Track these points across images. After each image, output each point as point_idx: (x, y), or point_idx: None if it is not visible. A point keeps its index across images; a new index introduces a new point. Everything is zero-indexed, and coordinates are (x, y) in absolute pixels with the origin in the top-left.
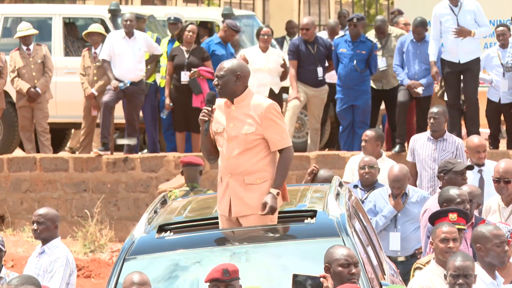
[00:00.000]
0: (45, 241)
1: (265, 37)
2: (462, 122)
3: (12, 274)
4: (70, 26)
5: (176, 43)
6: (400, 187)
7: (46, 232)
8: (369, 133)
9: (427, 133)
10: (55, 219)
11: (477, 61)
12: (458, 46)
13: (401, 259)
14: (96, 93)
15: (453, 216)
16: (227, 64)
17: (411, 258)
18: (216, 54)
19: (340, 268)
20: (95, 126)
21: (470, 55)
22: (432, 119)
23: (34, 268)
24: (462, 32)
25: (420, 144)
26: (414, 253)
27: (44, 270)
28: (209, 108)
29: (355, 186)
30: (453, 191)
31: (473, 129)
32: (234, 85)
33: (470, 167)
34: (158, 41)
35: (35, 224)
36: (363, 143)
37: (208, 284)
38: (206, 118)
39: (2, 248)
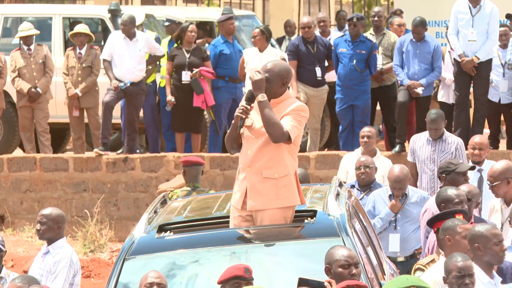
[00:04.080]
0: (50, 241)
1: (252, 39)
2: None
3: (13, 274)
4: (73, 25)
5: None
6: (401, 187)
7: (48, 232)
8: (370, 129)
9: (426, 134)
10: (58, 219)
11: (487, 62)
12: (468, 47)
13: (400, 259)
14: (80, 94)
15: (459, 217)
16: (275, 67)
17: (410, 259)
18: (224, 54)
19: (340, 269)
20: (84, 126)
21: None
22: (434, 130)
23: (38, 268)
24: (467, 63)
25: (420, 145)
26: (413, 253)
27: (48, 270)
28: (248, 106)
29: (352, 186)
30: (451, 191)
31: (478, 130)
32: (279, 89)
33: (472, 168)
34: (157, 40)
35: (38, 224)
36: (365, 139)
37: (223, 284)
38: (243, 116)
39: (2, 248)
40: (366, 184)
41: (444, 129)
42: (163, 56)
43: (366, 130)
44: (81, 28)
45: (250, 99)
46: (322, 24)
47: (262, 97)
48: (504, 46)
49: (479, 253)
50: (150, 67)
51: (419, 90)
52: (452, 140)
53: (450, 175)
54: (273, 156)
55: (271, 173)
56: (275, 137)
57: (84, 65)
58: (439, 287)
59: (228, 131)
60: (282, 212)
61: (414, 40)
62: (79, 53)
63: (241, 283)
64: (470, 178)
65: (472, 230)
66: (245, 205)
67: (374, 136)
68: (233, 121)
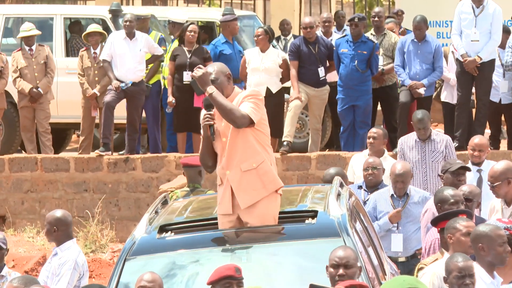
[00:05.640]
0: (57, 243)
1: (255, 38)
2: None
3: (14, 273)
4: (75, 25)
5: (175, 43)
6: (403, 181)
7: (48, 235)
8: (376, 130)
9: (414, 135)
10: (54, 222)
11: (490, 63)
12: (471, 47)
13: (401, 259)
14: (98, 94)
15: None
16: (213, 67)
17: (411, 259)
18: (224, 54)
19: (331, 269)
20: (94, 126)
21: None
22: (422, 129)
23: (45, 270)
24: (470, 63)
25: (409, 147)
26: (414, 253)
27: (53, 273)
28: (211, 112)
29: (360, 187)
30: (447, 192)
31: (479, 130)
32: (227, 85)
33: (465, 168)
34: (161, 40)
35: None
36: (370, 140)
37: (213, 284)
38: (212, 122)
39: (2, 246)
40: (373, 185)
41: (431, 128)
42: (162, 55)
43: (373, 131)
44: (94, 27)
45: (209, 106)
46: (326, 24)
47: (211, 89)
48: (502, 46)
49: (483, 253)
50: (150, 67)
51: (421, 90)
52: (441, 138)
53: (445, 174)
54: (244, 148)
55: (249, 164)
56: (237, 122)
57: (102, 64)
58: (437, 280)
59: (200, 149)
60: (270, 202)
61: (415, 40)
62: (94, 52)
63: (232, 283)
64: (469, 178)
65: (476, 230)
66: (235, 208)
67: (381, 137)
68: (202, 135)
